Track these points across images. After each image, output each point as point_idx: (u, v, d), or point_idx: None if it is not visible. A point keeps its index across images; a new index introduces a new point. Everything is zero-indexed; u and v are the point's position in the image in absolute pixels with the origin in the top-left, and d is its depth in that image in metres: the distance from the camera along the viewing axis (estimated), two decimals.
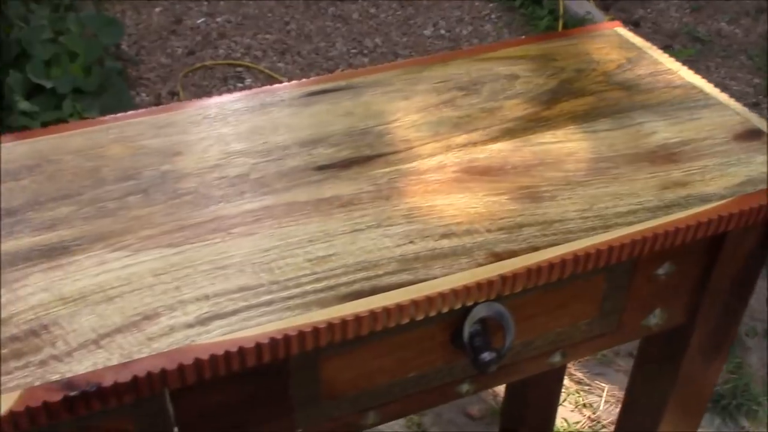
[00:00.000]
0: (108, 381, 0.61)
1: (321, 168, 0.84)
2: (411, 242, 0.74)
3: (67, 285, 0.69)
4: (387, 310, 0.68)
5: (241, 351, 0.64)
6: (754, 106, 2.68)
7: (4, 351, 0.63)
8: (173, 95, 2.63)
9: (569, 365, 1.75)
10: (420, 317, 0.70)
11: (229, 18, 3.05)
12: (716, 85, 1.00)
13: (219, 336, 0.65)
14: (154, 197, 0.79)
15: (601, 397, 1.72)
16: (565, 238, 0.76)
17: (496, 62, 1.02)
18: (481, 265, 0.72)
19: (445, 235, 0.75)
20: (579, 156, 0.86)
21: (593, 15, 2.96)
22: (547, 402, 1.41)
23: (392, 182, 0.82)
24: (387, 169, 0.84)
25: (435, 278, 0.71)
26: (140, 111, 0.92)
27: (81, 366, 0.62)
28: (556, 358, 0.88)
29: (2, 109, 2.21)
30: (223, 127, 0.90)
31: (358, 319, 0.67)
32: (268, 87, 0.98)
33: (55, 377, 0.61)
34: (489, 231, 0.76)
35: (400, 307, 0.68)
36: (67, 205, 0.78)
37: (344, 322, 0.66)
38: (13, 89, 2.22)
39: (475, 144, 0.88)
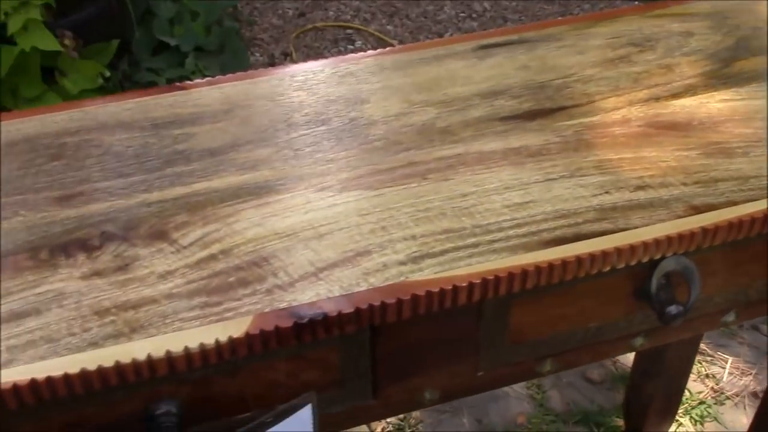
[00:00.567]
0: (333, 311, 0.64)
1: (505, 119, 0.85)
2: (606, 192, 0.75)
3: (278, 221, 0.72)
4: (592, 257, 0.69)
5: (455, 289, 0.66)
6: None
7: (230, 279, 0.67)
8: (286, 56, 2.68)
9: None
10: (621, 265, 0.71)
11: None
12: None
13: (432, 274, 0.67)
14: (346, 142, 0.82)
15: (724, 368, 1.70)
16: (763, 193, 0.75)
17: (668, 19, 1.01)
18: (680, 217, 0.72)
19: (639, 187, 0.76)
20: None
21: None
22: (681, 369, 1.40)
23: (578, 134, 0.82)
24: (571, 122, 0.84)
25: (636, 228, 0.71)
26: (321, 61, 0.95)
27: (305, 296, 0.65)
28: (730, 318, 0.88)
29: (130, 64, 2.29)
30: (401, 77, 0.92)
31: (564, 264, 0.68)
32: (438, 40, 0.99)
33: (283, 305, 0.64)
34: (684, 184, 0.76)
35: (604, 254, 0.69)
36: (265, 148, 0.82)
37: (551, 266, 0.68)
38: (140, 46, 2.30)
39: (657, 99, 0.87)
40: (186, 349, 0.61)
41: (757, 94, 0.88)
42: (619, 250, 0.69)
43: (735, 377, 1.68)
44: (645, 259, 0.71)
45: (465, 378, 0.79)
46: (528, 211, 0.73)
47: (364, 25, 2.84)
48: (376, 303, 0.64)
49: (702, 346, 1.74)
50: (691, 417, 1.62)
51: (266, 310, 0.64)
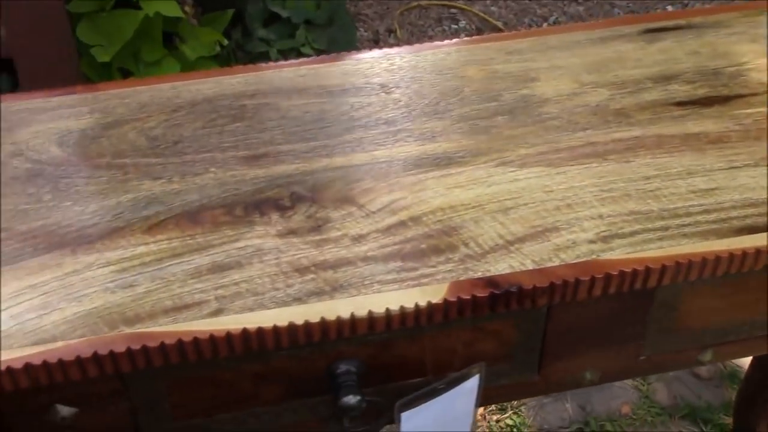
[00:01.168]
0: (527, 284, 0.65)
1: (681, 104, 0.84)
2: None
3: (462, 193, 0.73)
4: None
5: (648, 271, 0.66)
6: None
7: (423, 246, 0.68)
8: (390, 32, 2.68)
9: None
10: None
11: None
12: None
13: (623, 254, 0.67)
14: (520, 119, 0.82)
15: None
16: None
17: None
18: None
19: None
20: None
21: None
22: None
23: (758, 123, 0.81)
24: (750, 110, 0.83)
25: None
26: (485, 36, 0.95)
27: (498, 267, 0.66)
28: None
29: (243, 34, 2.33)
30: (569, 57, 0.91)
31: (758, 252, 0.67)
32: (602, 21, 0.98)
33: (478, 275, 0.65)
34: None
35: None
36: (439, 120, 0.82)
37: (744, 254, 0.67)
38: (253, 17, 2.33)
39: None
40: (387, 310, 0.63)
41: None
42: None
43: None
44: None
45: (627, 361, 0.79)
46: (715, 198, 0.72)
47: (468, 5, 2.82)
48: (570, 279, 0.65)
49: None
50: None
51: (461, 278, 0.65)
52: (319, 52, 2.36)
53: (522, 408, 1.63)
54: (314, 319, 0.62)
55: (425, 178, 0.75)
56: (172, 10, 2.01)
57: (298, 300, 0.63)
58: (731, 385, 1.63)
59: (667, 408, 1.61)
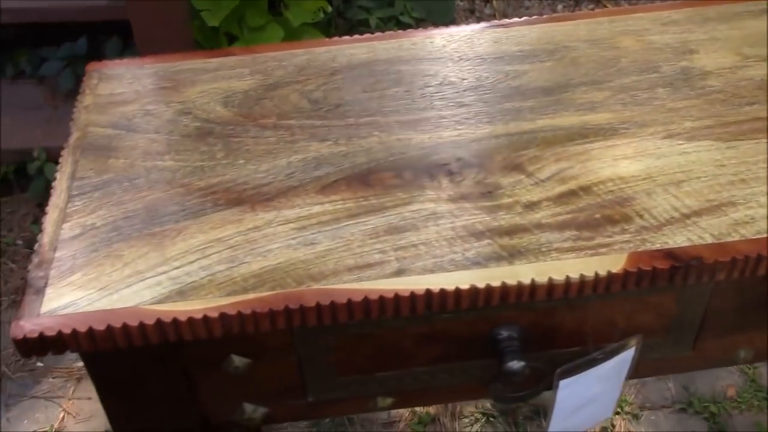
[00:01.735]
0: (709, 258, 0.64)
1: None
2: None
3: (631, 164, 0.73)
4: None
5: None
6: None
7: (596, 216, 0.68)
8: (486, 2, 2.66)
9: None
10: None
11: None
12: None
13: None
14: (683, 91, 0.81)
15: None
16: None
17: None
18: None
19: None
20: None
21: None
22: None
23: None
24: None
25: None
26: (640, 6, 0.94)
27: (676, 240, 0.66)
28: None
29: (344, 1, 2.33)
30: (729, 29, 0.89)
31: None
32: None
33: (656, 246, 0.65)
34: None
35: None
36: (599, 90, 0.82)
37: None
38: None
39: None
40: (567, 278, 0.63)
41: None
42: None
43: None
44: None
45: None
46: None
47: None
48: (752, 255, 0.64)
49: None
50: None
51: (639, 249, 0.65)
52: (417, 21, 2.35)
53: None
54: (495, 283, 0.62)
55: (591, 149, 0.75)
56: None
57: (478, 264, 0.64)
58: None
59: None
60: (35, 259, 0.66)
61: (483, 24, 0.92)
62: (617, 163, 0.73)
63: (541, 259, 0.64)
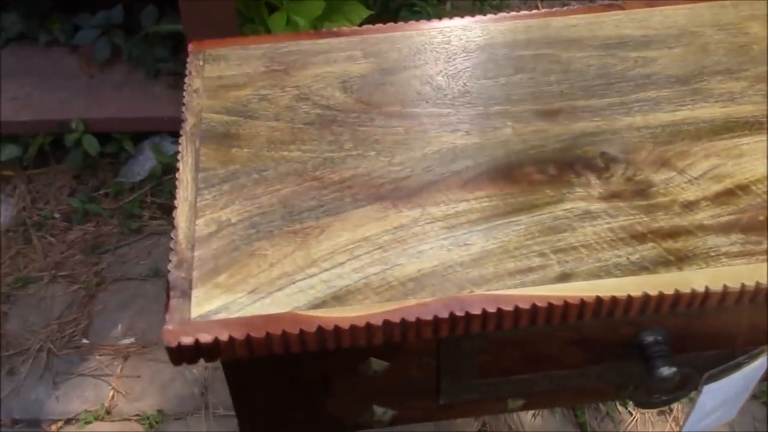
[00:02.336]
0: None
1: None
2: None
3: None
4: None
5: None
6: None
7: (760, 217, 0.65)
8: None
9: None
10: None
11: None
12: None
13: None
14: None
15: None
16: None
17: None
18: None
19: None
20: None
21: None
22: None
23: None
24: None
25: None
26: None
27: None
28: None
29: None
30: None
31: None
32: None
33: None
34: None
35: None
36: (734, 80, 0.78)
37: None
38: None
39: None
40: (743, 286, 0.60)
41: None
42: None
43: None
44: None
45: None
46: None
47: None
48: None
49: None
50: None
51: None
52: None
53: None
54: (668, 290, 0.59)
55: (740, 143, 0.71)
56: None
57: (646, 269, 0.61)
58: None
59: None
60: (174, 259, 0.62)
61: (600, 4, 0.88)
62: None
63: (711, 264, 0.61)
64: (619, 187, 0.68)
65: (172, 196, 2.04)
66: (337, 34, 0.84)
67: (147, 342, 1.59)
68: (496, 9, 2.15)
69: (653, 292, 0.59)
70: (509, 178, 0.68)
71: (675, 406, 1.57)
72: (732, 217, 0.65)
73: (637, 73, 0.79)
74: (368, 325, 0.57)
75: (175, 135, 1.94)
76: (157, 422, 1.44)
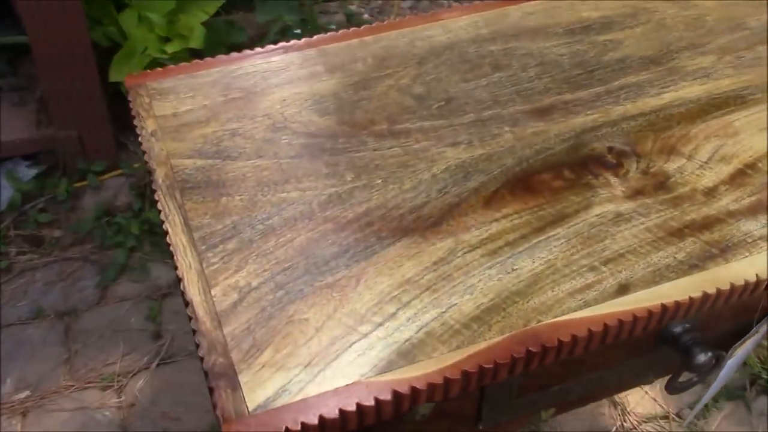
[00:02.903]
0: None
1: None
2: None
3: None
4: None
5: None
6: None
7: None
8: None
9: None
10: None
11: None
12: None
13: None
14: None
15: None
16: None
17: None
18: None
19: None
20: None
21: None
22: None
23: None
24: None
25: None
26: None
27: None
28: None
29: None
30: None
31: None
32: None
33: None
34: None
35: None
36: (702, 55, 0.78)
37: None
38: None
39: None
40: None
41: None
42: None
43: None
44: None
45: None
46: None
47: None
48: None
49: None
50: None
51: None
52: None
53: None
54: (724, 286, 0.58)
55: (731, 120, 0.71)
56: None
57: (696, 266, 0.59)
58: None
59: None
60: (202, 342, 0.53)
61: None
62: (764, 133, 0.71)
63: (754, 252, 0.61)
64: (638, 182, 0.66)
65: (39, 226, 1.83)
66: (288, 49, 0.76)
67: (44, 392, 1.43)
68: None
69: (711, 290, 0.58)
70: (529, 188, 0.65)
71: None
72: (753, 198, 0.65)
73: (610, 58, 0.77)
74: (446, 380, 0.52)
75: (29, 157, 1.75)
76: None
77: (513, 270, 0.59)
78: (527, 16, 0.82)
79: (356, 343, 0.54)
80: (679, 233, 0.62)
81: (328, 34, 0.78)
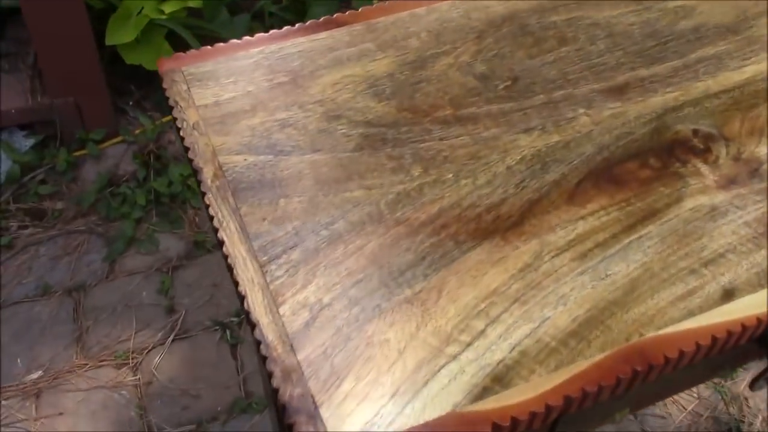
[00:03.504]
0: None
1: None
2: None
3: None
4: None
5: None
6: None
7: None
8: None
9: None
10: None
11: None
12: None
13: None
14: None
15: None
16: None
17: None
18: None
19: None
20: None
21: None
22: None
23: None
24: None
25: None
26: None
27: None
28: None
29: None
30: None
31: None
32: None
33: None
34: None
35: None
36: None
37: None
38: None
39: None
40: None
41: None
42: None
43: None
44: None
45: None
46: None
47: None
48: None
49: None
50: None
51: None
52: None
53: None
54: None
55: None
56: None
57: None
58: None
59: None
60: (275, 369, 0.48)
61: None
62: None
63: None
64: (730, 170, 0.60)
65: (40, 198, 1.76)
66: (336, 24, 0.69)
67: (57, 372, 1.38)
68: None
69: None
70: (613, 180, 0.59)
71: None
72: None
73: (684, 27, 0.71)
74: (547, 407, 0.47)
75: (25, 127, 1.67)
76: None
77: (607, 276, 0.53)
78: None
79: (445, 366, 0.49)
80: None
81: (375, 5, 0.71)
